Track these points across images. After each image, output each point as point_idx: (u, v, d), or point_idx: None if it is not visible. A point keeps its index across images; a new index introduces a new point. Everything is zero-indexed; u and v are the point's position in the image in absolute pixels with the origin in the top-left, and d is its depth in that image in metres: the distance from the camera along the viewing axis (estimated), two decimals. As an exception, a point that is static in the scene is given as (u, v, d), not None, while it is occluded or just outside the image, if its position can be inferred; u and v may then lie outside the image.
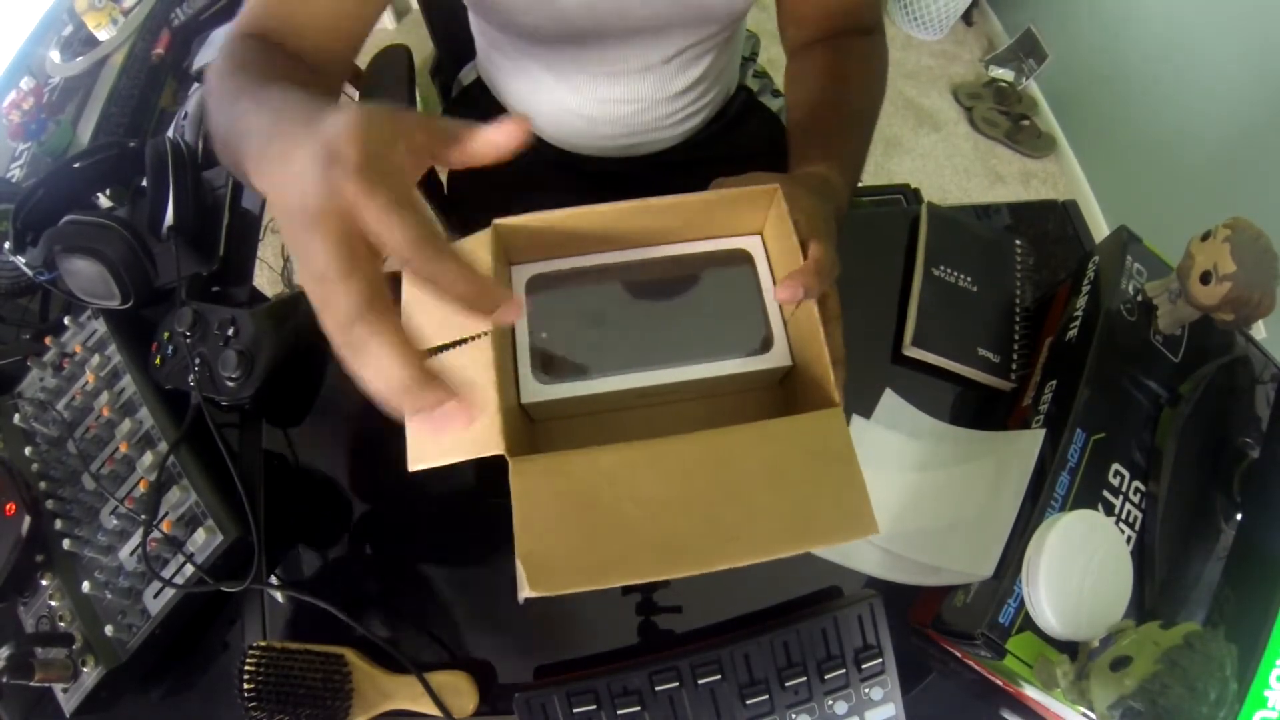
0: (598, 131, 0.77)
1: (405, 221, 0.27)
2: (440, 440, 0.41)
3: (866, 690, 0.47)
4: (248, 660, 0.47)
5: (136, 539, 0.52)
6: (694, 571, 0.39)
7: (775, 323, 0.48)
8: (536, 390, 0.43)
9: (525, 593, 0.37)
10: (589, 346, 0.45)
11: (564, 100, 0.74)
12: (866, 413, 0.58)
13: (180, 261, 0.63)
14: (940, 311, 0.60)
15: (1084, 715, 0.43)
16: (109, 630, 0.50)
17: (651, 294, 0.48)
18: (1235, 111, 1.39)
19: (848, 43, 0.64)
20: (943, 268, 0.62)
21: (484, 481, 0.56)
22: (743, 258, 0.49)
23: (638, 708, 0.46)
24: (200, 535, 0.51)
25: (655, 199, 0.45)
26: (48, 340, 0.62)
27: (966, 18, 2.17)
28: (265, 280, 1.55)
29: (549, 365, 0.44)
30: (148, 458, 0.54)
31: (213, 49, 0.90)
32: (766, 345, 0.47)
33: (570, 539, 0.38)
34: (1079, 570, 0.44)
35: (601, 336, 0.46)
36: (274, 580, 0.55)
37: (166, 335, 0.58)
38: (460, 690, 0.49)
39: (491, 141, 0.31)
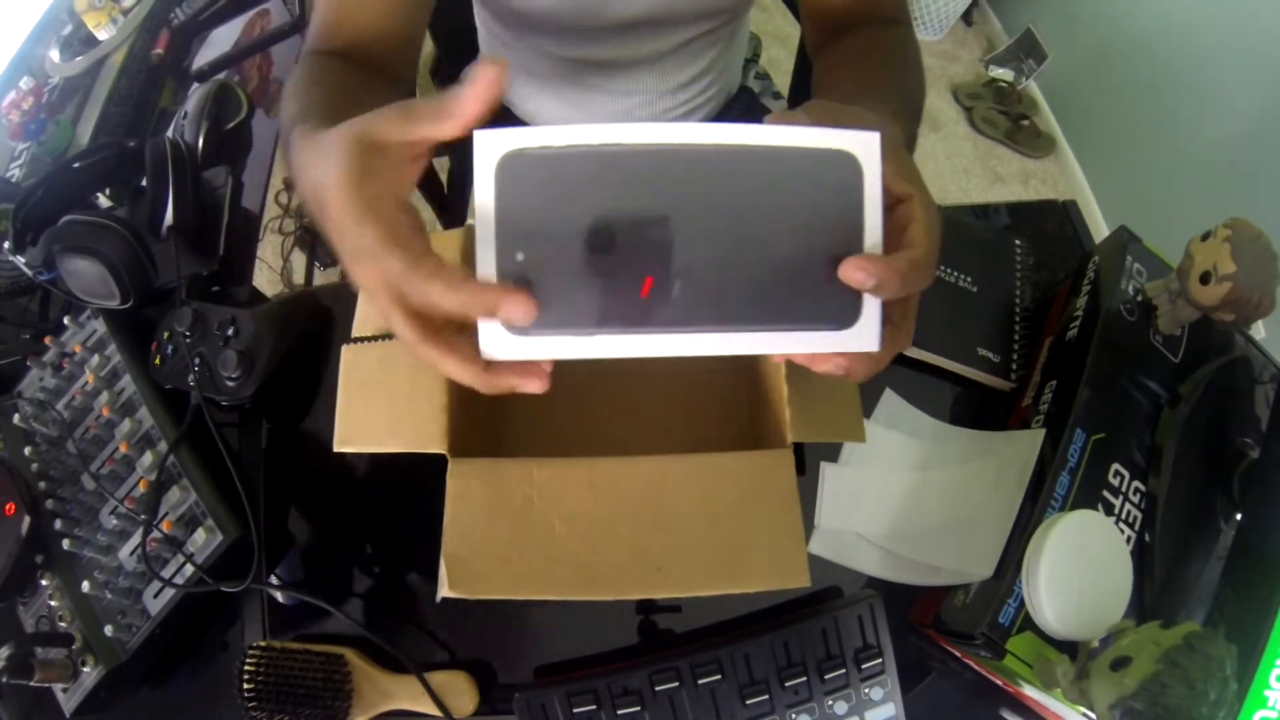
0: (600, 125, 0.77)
1: (384, 267, 0.29)
2: (372, 426, 0.41)
3: (866, 690, 0.47)
4: (248, 660, 0.47)
5: (136, 539, 0.52)
6: (611, 597, 0.39)
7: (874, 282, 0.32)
8: (502, 342, 0.31)
9: (444, 592, 0.37)
10: (590, 281, 0.31)
11: (568, 94, 0.75)
12: (867, 413, 0.58)
13: (180, 261, 0.63)
14: (940, 311, 0.60)
15: (1084, 715, 0.43)
16: (109, 630, 0.50)
17: (696, 204, 0.31)
18: (1235, 111, 1.39)
19: (880, 30, 0.59)
20: (942, 267, 0.62)
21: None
22: (844, 163, 0.31)
23: (638, 708, 0.46)
24: (200, 535, 0.51)
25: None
26: (47, 340, 0.62)
27: (966, 18, 2.17)
28: (265, 280, 1.55)
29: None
30: (147, 458, 0.54)
31: (213, 48, 0.90)
32: (851, 315, 0.32)
33: (494, 546, 0.38)
34: (1079, 570, 0.44)
35: (611, 267, 0.31)
36: (274, 580, 0.55)
37: (166, 335, 0.58)
38: (460, 690, 0.49)
39: (469, 96, 0.29)
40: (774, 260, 0.31)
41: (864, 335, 0.32)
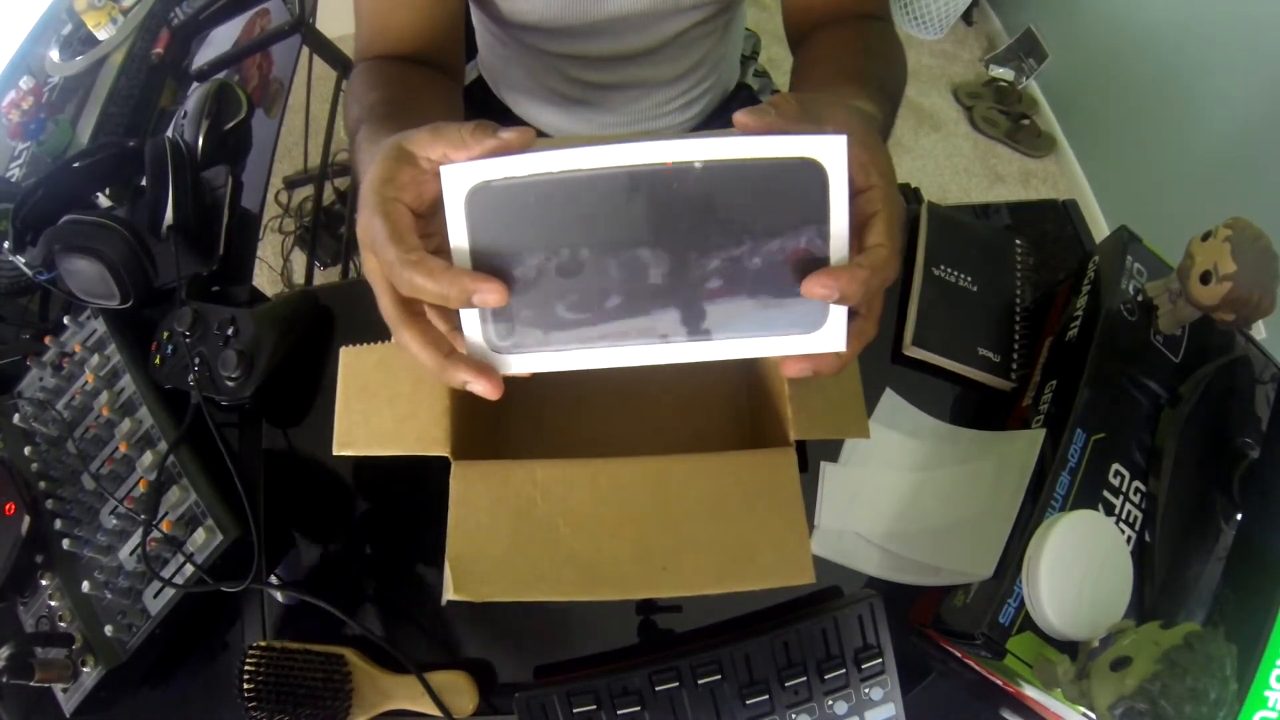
0: (599, 119, 0.78)
1: (381, 256, 0.32)
2: (372, 428, 0.42)
3: (866, 690, 0.47)
4: (248, 660, 0.47)
5: (136, 539, 0.52)
6: (617, 597, 0.39)
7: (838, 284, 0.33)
8: (486, 358, 0.34)
9: (449, 596, 0.37)
10: (563, 301, 0.33)
11: (564, 90, 0.75)
12: (867, 413, 0.58)
13: (180, 261, 0.63)
14: (940, 311, 0.60)
15: (1084, 715, 0.43)
16: (109, 630, 0.50)
17: (661, 221, 0.32)
18: (1235, 111, 1.39)
19: (860, 24, 0.59)
20: (943, 267, 0.62)
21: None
22: (809, 170, 0.31)
23: (638, 708, 0.46)
24: (200, 535, 0.51)
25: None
26: (47, 340, 0.62)
27: (966, 17, 2.17)
28: (265, 280, 1.55)
29: (505, 324, 0.34)
30: (147, 457, 0.54)
31: (213, 48, 0.90)
32: (819, 319, 0.33)
33: (499, 548, 0.38)
34: (1079, 570, 0.44)
35: (583, 287, 0.33)
36: (274, 580, 0.55)
37: (166, 335, 0.58)
38: (460, 690, 0.49)
39: (487, 140, 0.32)
40: (742, 270, 0.32)
41: (831, 337, 0.33)
